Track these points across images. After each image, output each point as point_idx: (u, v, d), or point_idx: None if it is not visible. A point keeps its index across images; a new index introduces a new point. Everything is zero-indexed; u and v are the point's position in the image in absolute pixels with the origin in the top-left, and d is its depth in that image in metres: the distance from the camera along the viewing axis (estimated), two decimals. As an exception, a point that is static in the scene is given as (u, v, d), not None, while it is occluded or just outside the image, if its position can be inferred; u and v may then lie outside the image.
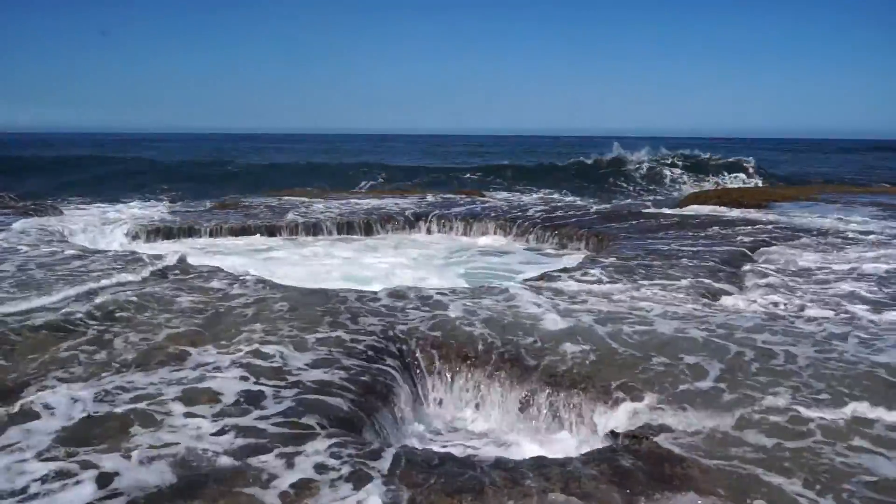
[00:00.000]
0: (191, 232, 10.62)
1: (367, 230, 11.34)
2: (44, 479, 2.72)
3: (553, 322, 4.87)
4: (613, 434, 3.44)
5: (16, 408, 3.36)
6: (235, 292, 5.75)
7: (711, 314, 5.12)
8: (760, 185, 28.00)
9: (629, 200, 21.26)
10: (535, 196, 18.80)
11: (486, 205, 13.29)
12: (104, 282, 5.90)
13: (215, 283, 6.08)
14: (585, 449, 3.43)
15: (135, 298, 5.43)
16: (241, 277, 6.45)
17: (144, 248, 9.73)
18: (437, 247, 10.46)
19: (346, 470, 2.82)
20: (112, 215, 11.75)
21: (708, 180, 29.08)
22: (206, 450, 2.97)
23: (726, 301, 5.60)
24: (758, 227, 9.76)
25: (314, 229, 11.09)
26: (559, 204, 13.86)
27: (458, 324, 4.86)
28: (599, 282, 6.19)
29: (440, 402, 4.32)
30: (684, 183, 28.52)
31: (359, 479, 2.75)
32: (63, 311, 4.98)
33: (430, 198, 14.45)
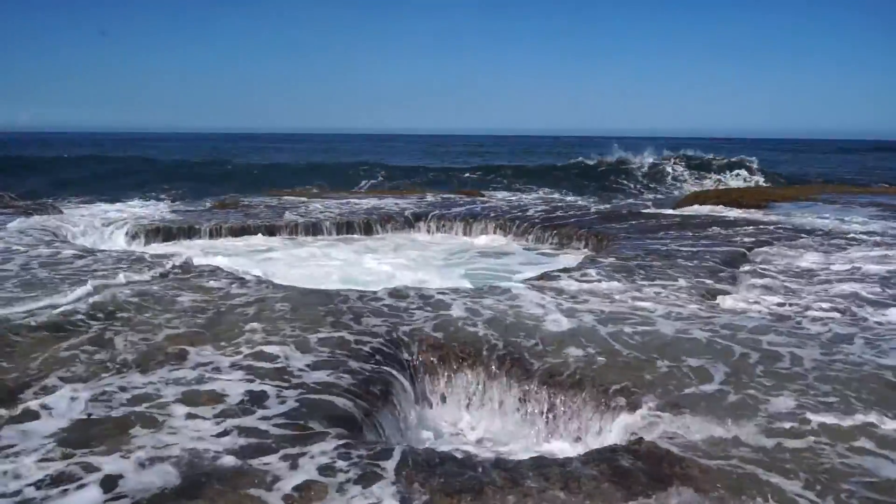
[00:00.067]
0: (191, 231, 10.62)
1: (367, 230, 11.34)
2: (45, 481, 2.71)
3: (555, 323, 4.87)
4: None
5: (16, 408, 3.36)
6: (236, 292, 5.76)
7: (713, 315, 5.13)
8: (762, 182, 28.02)
9: (630, 200, 21.26)
10: (535, 196, 18.81)
11: (486, 204, 13.30)
12: (104, 281, 5.89)
13: (216, 283, 6.08)
14: (585, 449, 3.44)
15: (135, 298, 5.44)
16: (241, 277, 6.46)
17: (144, 247, 9.74)
18: (436, 247, 10.46)
19: (348, 470, 2.82)
20: (112, 215, 11.75)
21: (710, 177, 29.09)
22: (209, 451, 2.96)
23: (727, 301, 5.61)
24: (758, 227, 9.76)
25: (314, 229, 11.09)
26: (559, 204, 13.86)
27: (460, 324, 4.87)
28: (600, 282, 6.20)
29: (441, 403, 4.32)
30: (685, 181, 28.52)
31: (362, 480, 2.74)
32: (64, 311, 4.98)
33: (429, 197, 14.45)
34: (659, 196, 23.88)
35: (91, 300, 5.28)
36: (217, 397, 3.55)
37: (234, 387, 3.68)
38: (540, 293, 5.73)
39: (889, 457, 3.01)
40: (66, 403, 3.41)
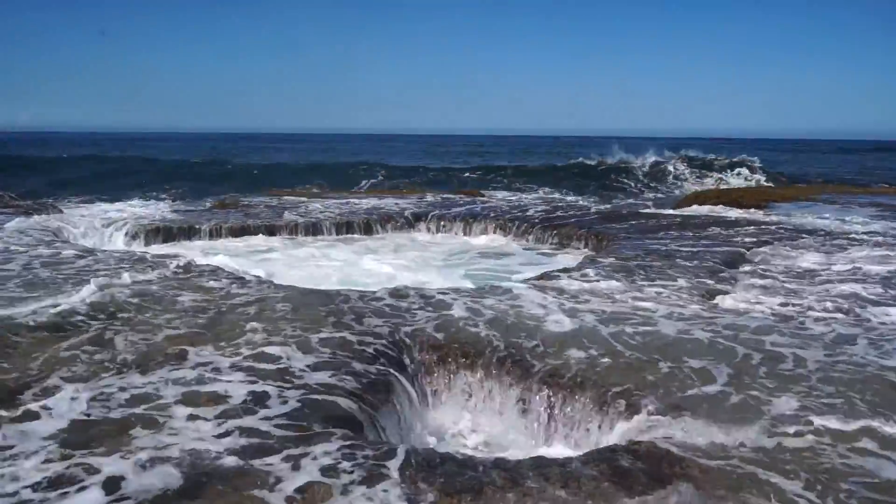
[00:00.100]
0: (191, 231, 10.62)
1: (367, 230, 11.35)
2: (45, 482, 2.71)
3: (556, 323, 4.87)
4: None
5: (17, 409, 3.35)
6: (237, 292, 5.76)
7: (714, 316, 5.12)
8: (764, 181, 28.03)
9: (630, 200, 21.27)
10: (535, 195, 18.82)
11: (486, 204, 13.30)
12: (106, 282, 5.89)
13: (216, 283, 6.08)
14: (585, 449, 3.44)
15: (136, 298, 5.44)
16: (241, 277, 6.46)
17: (144, 247, 9.74)
18: (437, 247, 10.46)
19: (350, 471, 2.82)
20: (112, 215, 11.74)
21: (711, 176, 29.08)
22: (210, 452, 2.96)
23: (727, 302, 5.61)
24: (758, 227, 9.77)
25: (314, 229, 11.09)
26: (559, 203, 13.87)
27: (461, 324, 4.87)
28: (600, 282, 6.20)
29: (442, 403, 4.32)
30: (686, 179, 28.51)
31: (364, 481, 2.74)
32: (65, 311, 4.98)
33: (429, 197, 14.46)
34: (659, 195, 23.91)
35: (92, 300, 5.28)
36: (218, 398, 3.54)
37: (235, 387, 3.68)
38: (541, 293, 5.73)
39: (892, 458, 3.00)
40: (66, 404, 3.40)
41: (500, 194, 17.48)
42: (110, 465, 2.83)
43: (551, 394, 3.95)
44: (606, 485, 2.74)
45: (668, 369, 4.01)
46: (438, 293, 5.74)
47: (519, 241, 10.73)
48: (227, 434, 3.15)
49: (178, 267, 6.81)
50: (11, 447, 2.99)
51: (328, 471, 2.82)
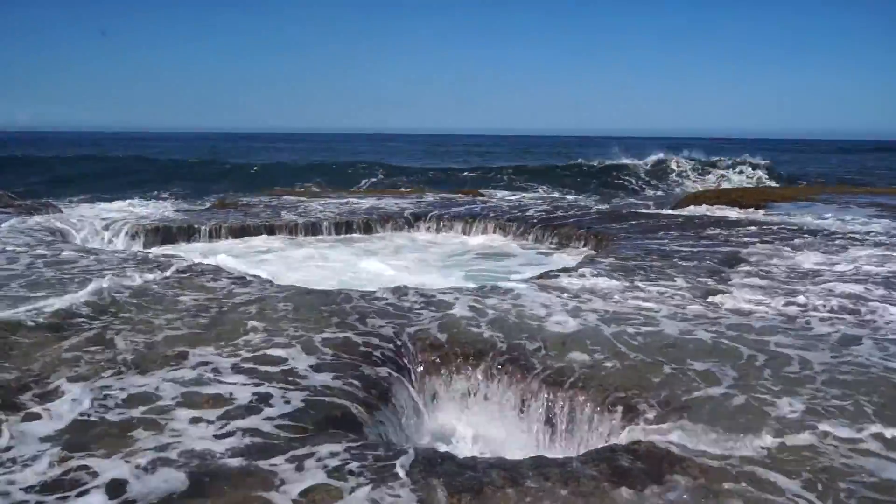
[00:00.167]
0: (191, 231, 10.62)
1: (367, 230, 11.35)
2: (46, 483, 2.70)
3: (557, 323, 4.87)
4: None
5: (18, 410, 3.35)
6: (238, 292, 5.76)
7: (717, 316, 5.12)
8: (765, 178, 28.05)
9: (631, 199, 21.27)
10: (535, 195, 18.82)
11: (486, 204, 13.30)
12: (105, 281, 5.89)
13: (217, 283, 6.08)
14: (585, 449, 3.44)
15: (136, 298, 5.44)
16: (242, 277, 6.46)
17: (144, 247, 9.74)
18: (436, 247, 10.46)
19: (354, 471, 2.81)
20: (112, 214, 11.74)
21: (713, 173, 29.08)
22: (213, 453, 2.95)
23: (729, 302, 5.60)
24: (758, 227, 9.77)
25: (313, 229, 11.09)
26: (559, 203, 13.87)
27: (464, 324, 4.86)
28: (600, 282, 6.19)
29: (444, 404, 4.31)
30: (687, 177, 28.51)
31: (368, 481, 2.73)
32: (65, 311, 4.97)
33: (429, 197, 14.46)
34: (660, 193, 23.91)
35: (92, 300, 5.27)
36: (220, 398, 3.53)
37: (236, 388, 3.67)
38: (542, 293, 5.73)
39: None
40: (67, 405, 3.40)
41: (500, 194, 17.47)
42: (112, 467, 2.82)
43: (552, 395, 3.95)
44: (606, 485, 2.74)
45: (671, 371, 4.00)
46: (440, 293, 5.74)
47: (519, 240, 10.73)
48: (229, 435, 3.14)
49: (178, 267, 6.80)
50: (12, 448, 2.98)
51: (332, 471, 2.81)
